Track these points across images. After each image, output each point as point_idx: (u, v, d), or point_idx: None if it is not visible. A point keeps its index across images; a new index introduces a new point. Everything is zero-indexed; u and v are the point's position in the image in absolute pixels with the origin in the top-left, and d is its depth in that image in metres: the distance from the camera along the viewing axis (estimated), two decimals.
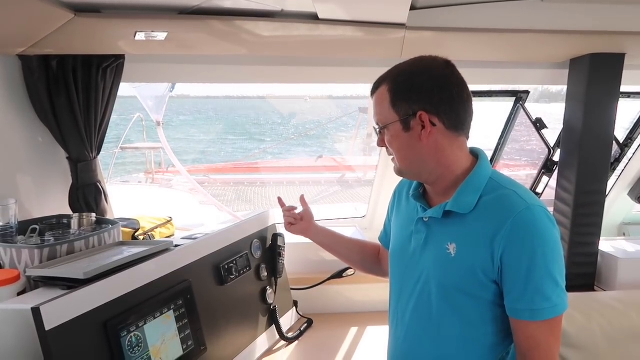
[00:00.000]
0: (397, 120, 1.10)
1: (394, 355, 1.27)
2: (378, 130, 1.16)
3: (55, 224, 1.70)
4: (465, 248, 1.07)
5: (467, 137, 1.15)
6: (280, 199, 1.69)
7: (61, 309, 1.08)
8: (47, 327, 1.04)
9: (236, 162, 13.69)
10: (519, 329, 1.05)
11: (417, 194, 1.23)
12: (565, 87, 2.09)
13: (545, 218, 1.03)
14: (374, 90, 1.16)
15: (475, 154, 1.17)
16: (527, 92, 2.32)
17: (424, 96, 1.07)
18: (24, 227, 1.57)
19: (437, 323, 1.13)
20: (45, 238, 1.54)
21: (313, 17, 1.56)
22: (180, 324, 1.36)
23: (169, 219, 2.15)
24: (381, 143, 1.18)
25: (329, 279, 2.00)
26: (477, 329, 1.10)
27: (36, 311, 1.03)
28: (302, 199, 1.67)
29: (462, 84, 1.10)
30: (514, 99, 2.34)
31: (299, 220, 1.61)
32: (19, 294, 1.30)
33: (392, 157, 1.17)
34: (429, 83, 1.08)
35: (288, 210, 1.64)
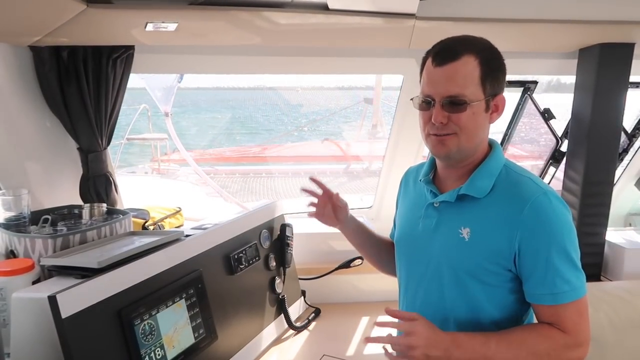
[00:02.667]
0: (482, 99, 1.06)
1: None
2: (455, 104, 1.04)
3: (67, 214, 1.72)
4: (480, 232, 1.07)
5: None
6: (306, 189, 1.44)
7: (76, 298, 1.10)
8: (64, 315, 1.06)
9: (241, 149, 13.63)
10: (543, 315, 1.06)
11: (428, 179, 1.22)
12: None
13: (560, 203, 1.04)
14: (453, 57, 1.03)
15: (489, 142, 1.18)
16: (535, 83, 2.31)
17: (503, 80, 1.09)
18: (36, 217, 1.59)
19: (448, 308, 1.13)
20: (58, 228, 1.56)
21: (323, 8, 1.56)
22: (192, 312, 1.38)
23: (178, 209, 2.16)
24: (446, 119, 1.05)
25: (336, 269, 2.01)
26: (485, 315, 1.10)
27: (53, 299, 1.05)
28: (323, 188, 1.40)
29: None
30: (522, 89, 2.33)
31: (337, 208, 1.37)
32: (33, 283, 1.33)
33: (446, 134, 1.06)
34: (504, 67, 1.09)
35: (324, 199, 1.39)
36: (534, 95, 2.31)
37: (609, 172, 2.05)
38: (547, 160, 2.41)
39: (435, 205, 1.16)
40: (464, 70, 1.03)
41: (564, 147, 2.30)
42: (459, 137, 1.07)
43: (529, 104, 2.33)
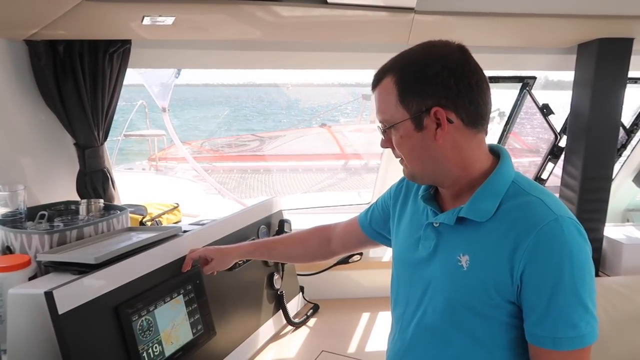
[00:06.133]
0: (407, 119, 0.95)
1: None
2: (382, 129, 1.02)
3: (64, 210, 1.71)
4: (480, 261, 0.94)
5: (486, 133, 1.00)
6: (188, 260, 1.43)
7: (73, 294, 1.09)
8: (60, 311, 1.05)
9: (239, 137, 13.57)
10: (539, 358, 0.91)
11: (428, 195, 1.09)
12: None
13: (576, 232, 0.89)
14: (376, 83, 1.00)
15: (496, 152, 1.03)
16: (534, 78, 2.31)
17: (439, 89, 0.93)
18: (32, 213, 1.58)
19: (441, 342, 1.00)
20: (54, 224, 1.55)
21: (321, 1, 1.54)
22: (190, 308, 1.38)
23: (175, 205, 2.16)
24: (386, 144, 1.03)
25: (335, 265, 2.01)
26: (488, 353, 0.96)
27: (49, 295, 1.04)
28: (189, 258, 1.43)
29: (479, 72, 0.96)
30: (520, 84, 2.33)
31: (210, 260, 1.44)
32: (30, 279, 1.32)
33: (399, 159, 1.03)
34: (443, 73, 0.92)
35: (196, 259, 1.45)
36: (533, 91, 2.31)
37: (608, 167, 2.05)
38: (545, 155, 2.41)
39: (434, 225, 1.03)
40: (384, 93, 0.98)
41: (562, 143, 2.30)
42: (405, 162, 1.02)
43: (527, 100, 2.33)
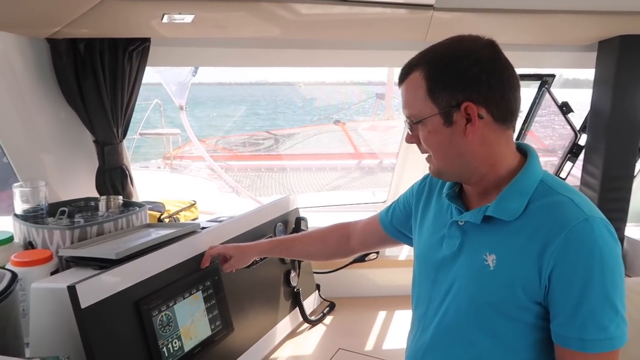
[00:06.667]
0: (436, 114, 0.94)
1: None
2: (410, 125, 1.00)
3: (83, 206, 1.73)
4: (507, 261, 0.92)
5: (514, 130, 0.99)
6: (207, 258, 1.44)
7: (95, 288, 1.11)
8: (83, 305, 1.06)
9: (253, 134, 13.59)
10: (564, 359, 0.90)
11: (452, 193, 1.07)
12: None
13: (607, 233, 0.88)
14: (403, 77, 0.99)
15: (524, 151, 1.01)
16: (553, 76, 2.28)
17: (470, 83, 0.91)
18: (53, 209, 1.60)
19: (464, 342, 0.99)
20: (75, 220, 1.57)
21: None
22: (208, 304, 1.38)
23: (193, 202, 2.17)
24: (412, 139, 1.01)
25: (351, 263, 2.00)
26: (512, 353, 0.95)
27: (72, 290, 1.05)
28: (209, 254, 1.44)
29: (510, 67, 0.95)
30: (539, 82, 2.30)
31: (229, 258, 1.45)
32: (51, 274, 1.34)
33: (427, 155, 1.02)
34: (475, 67, 0.91)
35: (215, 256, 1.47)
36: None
37: (629, 166, 2.02)
38: (564, 154, 2.38)
39: (460, 223, 1.01)
40: (412, 88, 0.97)
41: (580, 142, 2.27)
42: (432, 158, 1.00)
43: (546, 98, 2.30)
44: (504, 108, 0.94)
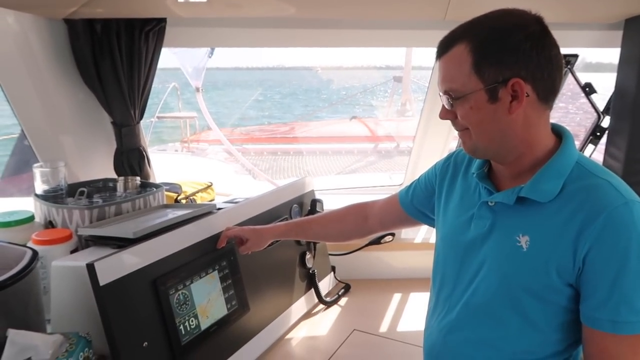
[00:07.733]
0: (480, 89, 0.90)
1: (433, 346, 1.11)
2: (450, 100, 0.95)
3: (102, 187, 1.75)
4: (541, 243, 0.91)
5: (551, 111, 0.96)
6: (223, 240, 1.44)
7: (113, 266, 1.12)
8: (102, 283, 1.08)
9: (270, 127, 13.67)
10: (593, 340, 0.90)
11: (482, 173, 1.05)
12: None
13: None
14: (444, 50, 0.94)
15: (558, 132, 0.98)
16: (576, 56, 2.22)
17: (520, 59, 0.87)
18: (72, 189, 1.63)
19: (492, 322, 0.99)
20: (93, 200, 1.59)
21: None
22: (224, 284, 1.40)
23: (209, 184, 2.18)
24: (448, 115, 0.98)
25: (366, 245, 2.00)
26: (541, 334, 0.95)
27: (91, 267, 1.07)
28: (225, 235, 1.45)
29: (557, 45, 0.90)
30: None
31: (245, 241, 1.45)
32: (71, 252, 1.36)
33: (463, 130, 0.98)
34: (527, 43, 0.87)
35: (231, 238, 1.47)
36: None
37: None
38: (586, 136, 2.33)
39: (490, 204, 1.00)
40: (455, 61, 0.93)
41: (604, 124, 2.22)
42: (470, 134, 0.96)
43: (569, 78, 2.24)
44: (549, 87, 0.91)
